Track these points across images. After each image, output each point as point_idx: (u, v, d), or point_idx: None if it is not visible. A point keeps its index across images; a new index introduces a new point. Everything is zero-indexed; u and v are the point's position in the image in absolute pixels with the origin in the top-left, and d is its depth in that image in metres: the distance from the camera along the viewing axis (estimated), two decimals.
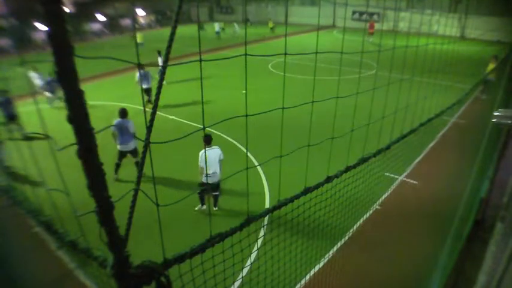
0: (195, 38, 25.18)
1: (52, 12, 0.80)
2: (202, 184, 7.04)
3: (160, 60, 16.03)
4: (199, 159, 6.93)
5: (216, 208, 7.26)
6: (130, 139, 8.13)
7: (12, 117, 10.65)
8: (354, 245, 5.48)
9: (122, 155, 8.28)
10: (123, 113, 8.11)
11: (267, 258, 2.44)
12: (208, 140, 6.82)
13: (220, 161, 7.01)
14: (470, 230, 5.56)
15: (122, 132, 8.04)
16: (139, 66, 1.16)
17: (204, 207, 7.24)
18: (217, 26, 31.65)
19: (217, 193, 7.20)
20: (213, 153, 6.90)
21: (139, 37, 27.20)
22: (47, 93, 13.66)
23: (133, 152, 8.35)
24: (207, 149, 6.81)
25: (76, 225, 1.39)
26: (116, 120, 8.11)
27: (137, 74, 13.96)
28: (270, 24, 34.34)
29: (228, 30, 33.79)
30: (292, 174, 4.03)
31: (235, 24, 34.56)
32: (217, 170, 6.93)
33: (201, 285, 1.66)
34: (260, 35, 29.86)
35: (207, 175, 6.77)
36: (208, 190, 7.12)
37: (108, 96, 15.01)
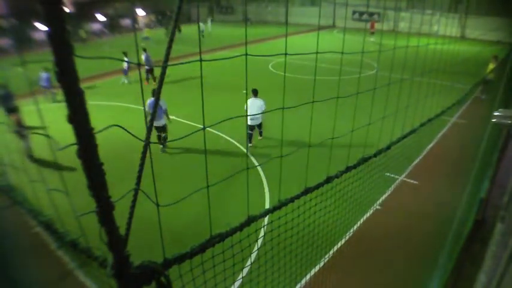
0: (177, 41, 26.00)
1: (52, 12, 0.80)
2: (248, 126, 9.82)
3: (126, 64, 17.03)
4: (245, 106, 9.22)
5: (261, 138, 10.33)
6: (161, 116, 9.48)
7: (12, 111, 10.78)
8: (354, 244, 5.48)
9: (158, 129, 9.52)
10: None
11: (267, 258, 2.44)
12: (255, 93, 9.73)
13: (262, 111, 9.57)
14: (470, 230, 5.56)
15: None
16: (139, 65, 1.16)
17: (251, 144, 10.00)
18: (202, 26, 32.25)
19: (260, 130, 10.19)
20: (257, 103, 9.57)
21: (146, 32, 29.60)
22: (51, 90, 14.28)
23: (164, 128, 9.65)
24: (253, 99, 9.62)
25: (76, 225, 1.39)
26: (149, 99, 9.32)
27: (142, 57, 16.44)
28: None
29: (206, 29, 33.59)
30: (292, 175, 4.03)
31: (209, 21, 34.91)
32: (259, 116, 9.69)
33: (201, 285, 1.66)
34: (260, 35, 29.80)
35: (251, 119, 9.66)
36: (253, 130, 9.98)
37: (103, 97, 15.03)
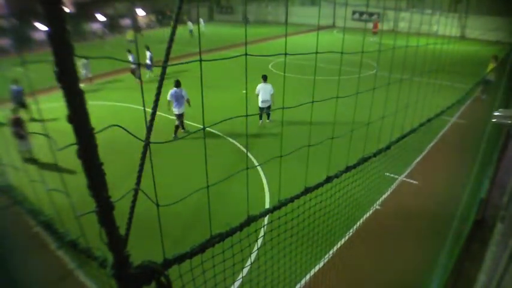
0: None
1: (52, 12, 0.80)
2: (259, 107, 11.18)
3: (148, 56, 17.98)
4: (256, 90, 11.12)
5: (269, 120, 11.73)
6: (182, 104, 10.63)
7: (23, 105, 11.77)
8: (354, 244, 5.49)
9: (178, 117, 10.78)
10: (178, 84, 10.64)
11: (267, 258, 2.44)
12: (265, 78, 11.21)
13: (271, 94, 11.03)
14: (470, 230, 5.56)
15: (178, 98, 10.53)
16: (139, 65, 1.16)
17: (261, 122, 11.58)
18: (191, 25, 32.29)
19: (269, 112, 11.51)
20: (267, 88, 11.03)
21: (130, 35, 28.56)
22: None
23: (182, 115, 10.80)
24: (263, 84, 11.07)
25: (76, 225, 1.39)
26: (172, 89, 10.51)
27: (130, 58, 17.80)
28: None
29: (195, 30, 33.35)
30: (292, 174, 4.04)
31: (201, 20, 34.85)
32: (269, 99, 11.04)
33: (201, 285, 1.66)
34: (258, 35, 29.74)
35: (262, 101, 11.12)
36: (263, 111, 11.32)
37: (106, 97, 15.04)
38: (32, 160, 8.85)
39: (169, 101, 10.58)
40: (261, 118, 11.55)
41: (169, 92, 10.54)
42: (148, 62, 17.80)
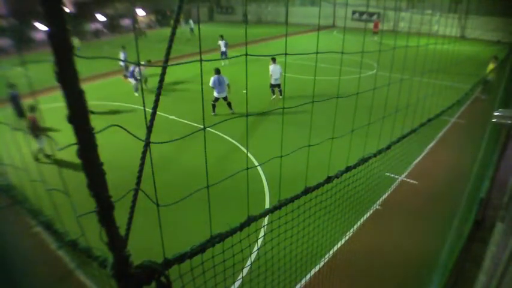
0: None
1: (52, 12, 0.80)
2: (271, 84, 13.53)
3: (222, 44, 19.87)
4: (269, 71, 13.28)
5: (281, 96, 13.50)
6: (224, 89, 12.08)
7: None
8: (354, 245, 5.49)
9: (217, 99, 12.23)
10: (219, 71, 11.93)
11: (267, 258, 2.43)
12: (274, 60, 13.41)
13: (281, 73, 13.35)
14: (470, 230, 5.55)
15: (220, 83, 11.92)
16: (139, 65, 1.16)
17: (274, 96, 13.78)
18: (192, 24, 33.30)
19: (279, 89, 13.56)
20: (277, 67, 13.25)
21: (76, 42, 26.92)
22: (131, 80, 15.40)
23: (225, 98, 12.29)
24: (273, 65, 13.23)
25: (76, 225, 1.39)
26: (214, 76, 11.83)
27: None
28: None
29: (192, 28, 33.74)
30: (292, 174, 4.04)
31: (183, 22, 35.72)
32: (279, 77, 13.24)
33: (201, 285, 1.66)
34: (257, 36, 29.72)
35: (274, 80, 13.34)
36: (275, 88, 13.61)
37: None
38: (50, 158, 9.22)
39: (212, 87, 11.85)
40: (273, 94, 13.67)
41: (211, 79, 11.78)
42: (223, 49, 19.62)
